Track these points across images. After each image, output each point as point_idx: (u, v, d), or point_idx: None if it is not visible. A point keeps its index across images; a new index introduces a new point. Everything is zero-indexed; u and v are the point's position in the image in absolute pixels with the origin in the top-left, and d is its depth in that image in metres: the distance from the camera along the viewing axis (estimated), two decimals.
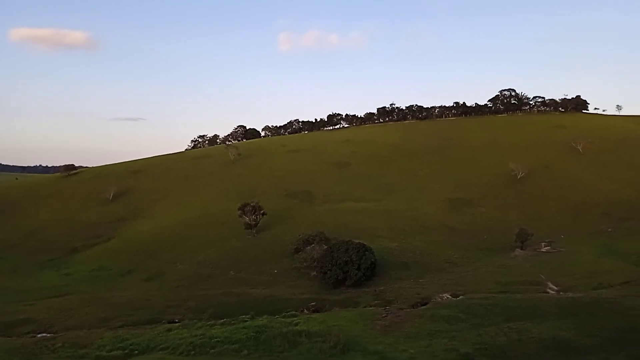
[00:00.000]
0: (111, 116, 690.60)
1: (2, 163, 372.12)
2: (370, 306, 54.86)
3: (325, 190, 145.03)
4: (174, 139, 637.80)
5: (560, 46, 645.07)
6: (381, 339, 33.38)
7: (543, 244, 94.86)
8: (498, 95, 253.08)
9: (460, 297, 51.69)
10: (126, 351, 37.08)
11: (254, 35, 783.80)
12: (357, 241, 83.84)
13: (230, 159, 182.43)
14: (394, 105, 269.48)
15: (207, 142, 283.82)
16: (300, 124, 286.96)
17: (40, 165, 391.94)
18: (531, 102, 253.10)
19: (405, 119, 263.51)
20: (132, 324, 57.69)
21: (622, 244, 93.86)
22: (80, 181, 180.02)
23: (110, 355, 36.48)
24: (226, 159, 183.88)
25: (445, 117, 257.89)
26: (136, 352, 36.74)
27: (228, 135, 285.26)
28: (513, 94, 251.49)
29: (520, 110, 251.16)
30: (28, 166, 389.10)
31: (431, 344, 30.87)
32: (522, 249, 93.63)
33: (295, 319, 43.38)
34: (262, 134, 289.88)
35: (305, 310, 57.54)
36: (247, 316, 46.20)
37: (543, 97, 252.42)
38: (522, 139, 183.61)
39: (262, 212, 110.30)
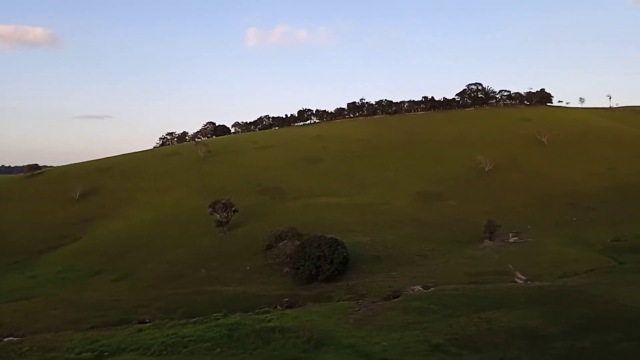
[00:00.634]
0: (76, 114, 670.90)
1: None
2: (343, 300, 55.11)
3: (297, 186, 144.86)
4: (141, 137, 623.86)
5: (525, 40, 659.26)
6: (354, 333, 33.58)
7: (511, 234, 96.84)
8: (465, 89, 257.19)
9: (431, 289, 52.38)
10: (96, 353, 36.31)
11: (222, 31, 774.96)
12: (329, 236, 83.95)
13: (200, 156, 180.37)
14: (363, 101, 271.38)
15: (175, 139, 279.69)
16: (270, 119, 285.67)
17: (2, 165, 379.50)
18: (497, 96, 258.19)
19: (375, 113, 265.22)
20: (101, 325, 56.66)
21: (586, 233, 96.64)
22: (45, 181, 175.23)
23: (80, 358, 35.72)
24: (196, 156, 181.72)
25: (414, 111, 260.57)
26: (106, 353, 36.04)
27: (197, 132, 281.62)
28: (480, 88, 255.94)
29: (487, 104, 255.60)
30: None
31: (403, 335, 31.21)
32: (490, 240, 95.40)
33: (269, 315, 43.23)
34: (232, 130, 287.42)
35: (279, 307, 57.41)
36: (220, 314, 45.82)
37: (509, 91, 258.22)
38: (490, 133, 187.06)
39: (233, 209, 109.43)
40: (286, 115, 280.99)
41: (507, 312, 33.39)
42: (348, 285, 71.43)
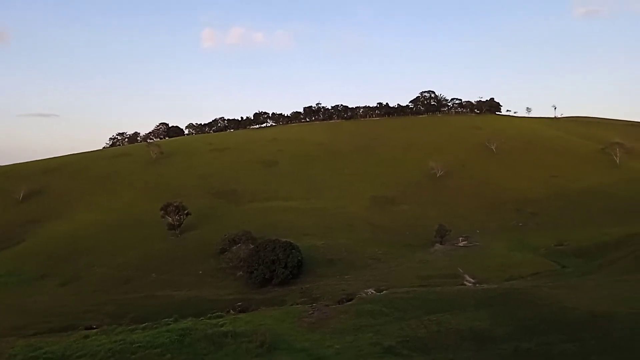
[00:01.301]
0: (20, 112, 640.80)
1: None
2: (297, 304, 55.04)
3: (252, 189, 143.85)
4: (90, 137, 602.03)
5: (476, 50, 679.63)
6: (308, 336, 33.60)
7: (460, 238, 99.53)
8: (419, 96, 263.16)
9: (384, 292, 53.03)
10: None
11: (177, 30, 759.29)
12: (284, 240, 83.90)
13: (152, 158, 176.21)
14: (320, 105, 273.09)
15: (126, 140, 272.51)
16: (225, 122, 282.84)
17: None
18: (449, 104, 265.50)
19: (331, 118, 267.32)
20: (46, 331, 54.48)
21: (531, 238, 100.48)
22: None
23: None
24: (147, 157, 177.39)
25: (369, 117, 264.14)
26: None
27: (149, 133, 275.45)
28: (433, 95, 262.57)
29: (440, 111, 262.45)
30: None
31: (356, 338, 31.48)
32: (441, 244, 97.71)
33: (221, 320, 42.58)
34: (186, 132, 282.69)
35: (232, 311, 56.75)
36: (171, 319, 44.76)
37: (460, 99, 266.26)
38: (441, 139, 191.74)
39: (186, 212, 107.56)
40: (242, 117, 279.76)
41: (457, 315, 34.23)
42: (302, 289, 71.55)
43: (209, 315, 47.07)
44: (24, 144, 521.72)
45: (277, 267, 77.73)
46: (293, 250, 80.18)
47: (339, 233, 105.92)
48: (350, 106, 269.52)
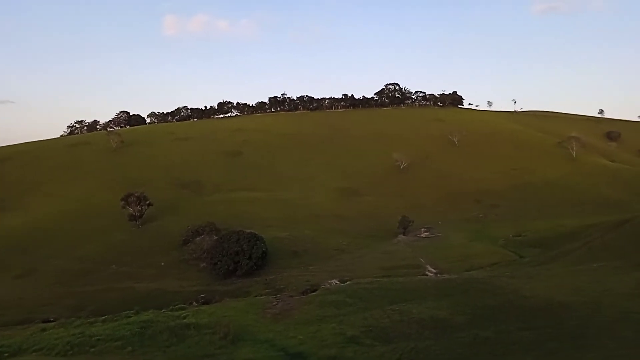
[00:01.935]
0: None
1: None
2: (261, 295, 54.87)
3: (216, 179, 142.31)
4: (47, 125, 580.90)
5: (440, 44, 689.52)
6: (271, 327, 33.53)
7: (423, 229, 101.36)
8: (384, 89, 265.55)
9: (348, 282, 53.38)
10: None
11: (138, 16, 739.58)
12: (248, 231, 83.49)
13: (112, 147, 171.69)
14: (285, 95, 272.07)
15: (85, 128, 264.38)
16: (189, 111, 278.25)
17: None
18: (413, 97, 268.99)
19: (296, 109, 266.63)
20: (1, 325, 52.63)
21: (491, 229, 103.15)
22: None
23: None
24: (108, 146, 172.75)
25: (334, 108, 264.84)
26: (6, 354, 33.30)
27: (109, 121, 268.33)
28: (397, 88, 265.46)
29: (404, 104, 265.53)
30: None
31: (320, 329, 31.61)
32: (404, 234, 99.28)
33: (184, 312, 41.98)
34: (148, 120, 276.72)
35: (195, 303, 56.18)
36: (131, 311, 43.83)
37: (424, 92, 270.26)
38: (405, 131, 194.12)
39: (147, 202, 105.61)
40: (205, 107, 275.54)
41: (419, 304, 34.78)
42: (266, 280, 71.49)
43: (171, 307, 46.36)
44: None
45: (241, 258, 77.33)
46: (257, 242, 79.89)
47: (304, 224, 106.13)
48: (315, 97, 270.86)
